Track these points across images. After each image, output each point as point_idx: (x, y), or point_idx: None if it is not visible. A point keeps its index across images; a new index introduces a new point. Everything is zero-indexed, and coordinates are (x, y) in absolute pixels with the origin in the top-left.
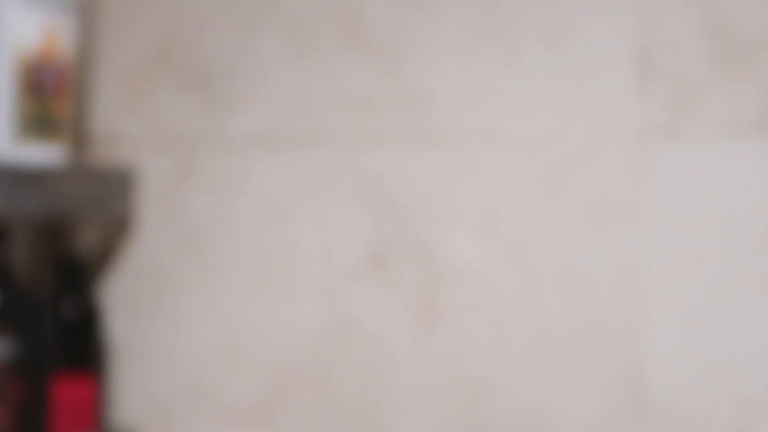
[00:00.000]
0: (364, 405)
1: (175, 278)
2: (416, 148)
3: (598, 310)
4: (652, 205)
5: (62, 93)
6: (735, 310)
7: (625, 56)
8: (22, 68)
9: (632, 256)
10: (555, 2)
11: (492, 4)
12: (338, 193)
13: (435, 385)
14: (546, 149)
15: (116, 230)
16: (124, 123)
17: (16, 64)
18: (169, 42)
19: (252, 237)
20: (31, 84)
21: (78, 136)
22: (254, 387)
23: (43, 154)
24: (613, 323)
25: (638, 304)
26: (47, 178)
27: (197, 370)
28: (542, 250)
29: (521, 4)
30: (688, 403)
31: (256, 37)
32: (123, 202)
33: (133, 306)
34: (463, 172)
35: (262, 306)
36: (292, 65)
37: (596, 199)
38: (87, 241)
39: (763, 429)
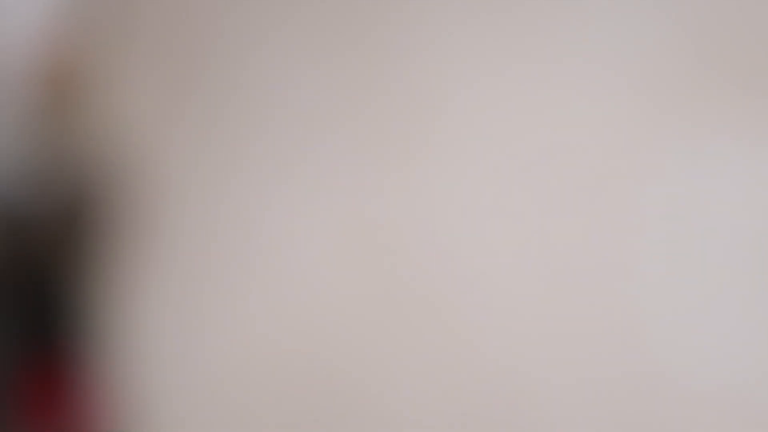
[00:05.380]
0: (368, 396)
1: (176, 280)
2: (411, 141)
3: (601, 304)
4: (652, 204)
5: (76, 99)
6: (730, 317)
7: (625, 54)
8: (30, 73)
9: (631, 256)
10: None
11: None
12: (336, 191)
13: (437, 370)
14: (545, 148)
15: (128, 231)
16: (142, 128)
17: (23, 69)
18: (191, 46)
19: (262, 239)
20: (40, 91)
21: (93, 141)
22: (254, 387)
23: (52, 159)
24: (616, 318)
25: (640, 300)
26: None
27: (194, 370)
28: (541, 246)
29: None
30: (699, 382)
31: (270, 43)
32: (133, 203)
33: (130, 306)
34: (457, 167)
35: (260, 302)
36: (307, 70)
37: (595, 199)
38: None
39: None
